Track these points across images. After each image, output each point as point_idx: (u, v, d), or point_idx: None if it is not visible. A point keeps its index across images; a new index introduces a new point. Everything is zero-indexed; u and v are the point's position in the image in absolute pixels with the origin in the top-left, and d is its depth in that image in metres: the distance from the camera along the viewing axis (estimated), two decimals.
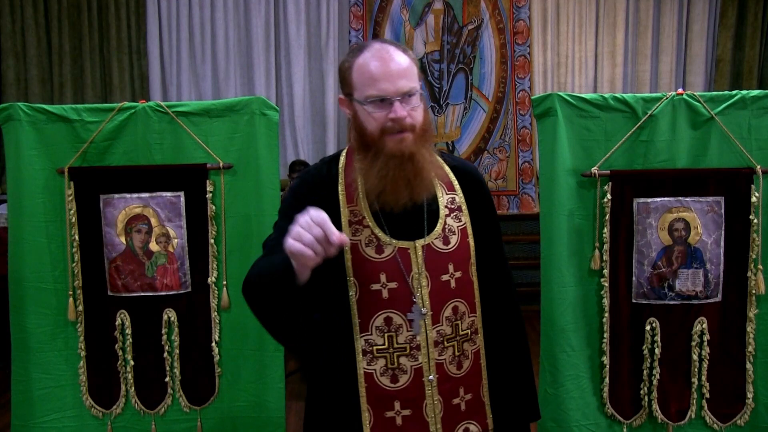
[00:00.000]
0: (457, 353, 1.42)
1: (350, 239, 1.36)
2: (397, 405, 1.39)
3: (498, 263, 1.52)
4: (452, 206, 1.45)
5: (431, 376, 1.39)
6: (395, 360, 1.38)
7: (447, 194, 1.45)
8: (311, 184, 1.43)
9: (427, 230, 1.40)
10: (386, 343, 1.38)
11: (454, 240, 1.42)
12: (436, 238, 1.41)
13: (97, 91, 5.94)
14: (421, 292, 1.38)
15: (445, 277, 1.40)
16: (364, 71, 1.32)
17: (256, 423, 2.29)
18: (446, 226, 1.42)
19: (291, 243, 1.13)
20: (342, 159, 1.45)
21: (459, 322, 1.42)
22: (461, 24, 5.98)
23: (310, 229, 1.12)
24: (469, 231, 1.45)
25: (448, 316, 1.40)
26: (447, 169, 1.48)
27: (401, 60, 1.32)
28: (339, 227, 1.36)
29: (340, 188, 1.41)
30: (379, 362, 1.38)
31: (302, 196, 1.40)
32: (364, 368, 1.39)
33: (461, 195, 1.47)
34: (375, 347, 1.38)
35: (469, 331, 1.44)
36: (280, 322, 1.36)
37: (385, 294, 1.37)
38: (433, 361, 1.39)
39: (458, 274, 1.42)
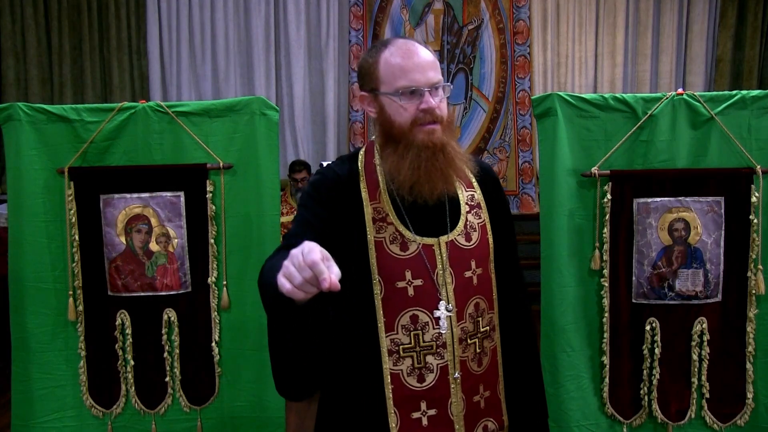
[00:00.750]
0: (477, 350, 1.42)
1: (374, 237, 1.36)
2: (423, 405, 1.38)
3: (512, 261, 1.53)
4: (472, 203, 1.45)
5: (456, 374, 1.38)
6: (422, 359, 1.37)
7: (466, 191, 1.46)
8: (332, 182, 1.41)
9: (449, 227, 1.41)
10: (412, 342, 1.37)
11: (475, 237, 1.43)
12: (459, 235, 1.41)
13: (97, 91, 5.94)
14: (446, 289, 1.37)
15: (468, 274, 1.40)
16: (393, 64, 1.33)
17: (256, 423, 2.29)
18: (467, 223, 1.43)
19: (282, 283, 1.01)
20: (361, 156, 1.45)
21: (480, 319, 1.42)
22: (461, 24, 5.98)
23: (301, 270, 0.99)
24: (489, 228, 1.45)
25: (470, 313, 1.40)
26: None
27: (427, 53, 1.35)
28: (363, 225, 1.37)
29: (362, 185, 1.41)
30: (406, 362, 1.37)
31: (323, 191, 1.39)
32: (390, 369, 1.37)
33: (479, 192, 1.47)
34: (401, 346, 1.37)
35: (488, 328, 1.44)
36: (286, 335, 1.29)
37: (410, 291, 1.36)
38: (458, 358, 1.38)
39: (479, 271, 1.42)
